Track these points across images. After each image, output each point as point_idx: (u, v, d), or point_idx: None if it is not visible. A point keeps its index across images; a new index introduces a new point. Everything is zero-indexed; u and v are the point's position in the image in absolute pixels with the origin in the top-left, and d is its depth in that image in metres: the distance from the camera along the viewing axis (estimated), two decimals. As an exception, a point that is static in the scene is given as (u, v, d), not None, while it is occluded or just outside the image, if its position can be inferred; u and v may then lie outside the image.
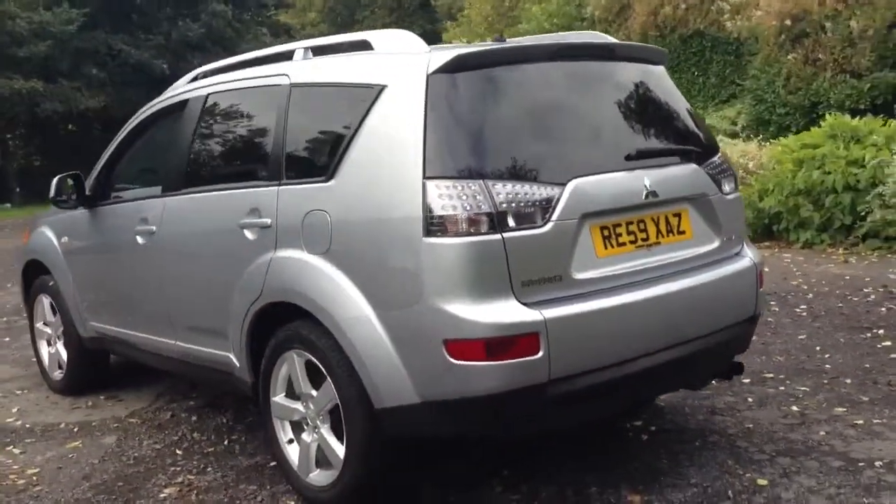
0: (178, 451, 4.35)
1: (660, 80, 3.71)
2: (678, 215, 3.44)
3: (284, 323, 3.56)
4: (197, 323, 4.10)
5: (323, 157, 3.46)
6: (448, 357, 2.94)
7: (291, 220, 3.46)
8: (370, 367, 3.13)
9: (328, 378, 3.35)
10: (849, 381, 4.63)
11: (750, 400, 4.39)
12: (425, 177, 2.98)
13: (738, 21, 14.21)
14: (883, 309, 6.12)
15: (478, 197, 2.93)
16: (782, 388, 4.56)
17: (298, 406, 3.58)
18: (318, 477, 3.53)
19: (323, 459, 3.52)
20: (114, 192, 4.93)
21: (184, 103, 4.37)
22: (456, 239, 2.91)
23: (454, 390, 2.97)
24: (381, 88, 3.24)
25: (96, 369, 5.49)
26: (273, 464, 4.03)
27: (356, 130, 3.28)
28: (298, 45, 3.89)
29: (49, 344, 5.65)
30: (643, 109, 3.58)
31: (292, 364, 3.53)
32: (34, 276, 5.63)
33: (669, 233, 3.39)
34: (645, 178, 3.29)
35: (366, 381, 3.16)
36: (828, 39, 12.71)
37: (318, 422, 3.49)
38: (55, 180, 4.84)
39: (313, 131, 3.60)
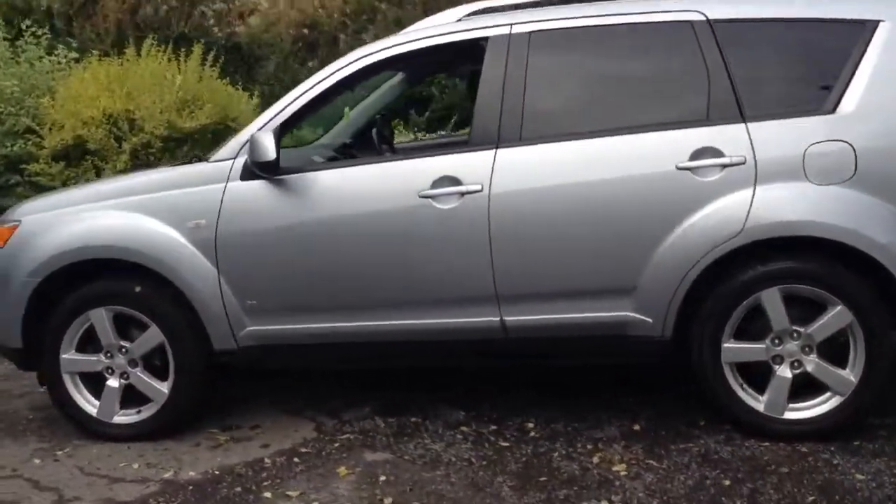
0: (505, 445, 3.80)
1: None
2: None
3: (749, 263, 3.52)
4: (569, 286, 3.65)
5: (807, 92, 3.53)
6: None
7: (781, 153, 3.46)
8: None
9: (840, 305, 3.45)
10: None
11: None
12: None
13: (237, 27, 14.32)
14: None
15: None
16: None
17: (765, 344, 3.56)
18: (796, 413, 3.58)
19: (798, 393, 3.57)
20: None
21: (476, 43, 3.81)
22: None
23: None
24: (876, 24, 3.49)
25: (205, 397, 4.24)
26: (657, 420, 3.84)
27: (857, 64, 3.47)
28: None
29: (105, 376, 4.12)
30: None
31: (773, 300, 3.51)
32: (70, 283, 4.05)
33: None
34: None
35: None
36: (342, 50, 13.69)
37: (802, 356, 3.54)
38: (264, 135, 3.68)
39: (776, 67, 3.60)
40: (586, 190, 3.58)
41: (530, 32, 3.74)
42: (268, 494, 3.45)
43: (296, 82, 11.61)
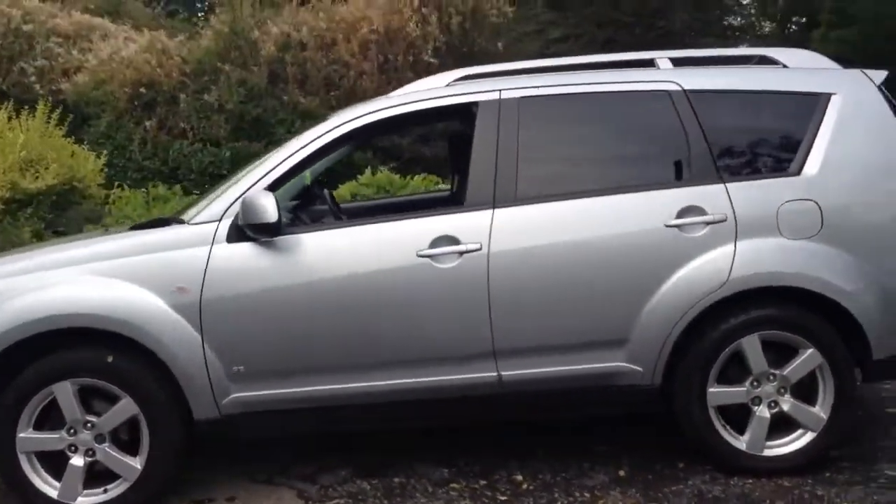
0: (503, 499, 3.87)
1: None
2: None
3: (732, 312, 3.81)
4: (566, 339, 3.79)
5: (775, 156, 3.90)
6: None
7: (758, 211, 3.79)
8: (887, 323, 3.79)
9: (811, 348, 3.80)
10: None
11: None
12: None
13: (62, 85, 13.71)
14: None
15: None
16: None
17: (745, 387, 3.84)
18: (774, 450, 3.88)
19: (777, 430, 3.88)
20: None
21: (467, 108, 3.95)
22: None
23: None
24: (829, 96, 3.92)
25: (180, 470, 4.03)
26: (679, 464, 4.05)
27: (816, 131, 3.87)
28: (655, 56, 4.10)
29: (67, 455, 3.84)
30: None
31: (753, 346, 3.80)
32: (29, 354, 3.75)
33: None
34: None
35: (873, 335, 3.79)
36: (182, 109, 13.34)
37: (777, 396, 3.85)
38: (263, 196, 3.62)
39: (745, 133, 3.95)
40: (582, 247, 3.75)
41: (519, 98, 3.90)
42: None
43: (131, 141, 11.24)
